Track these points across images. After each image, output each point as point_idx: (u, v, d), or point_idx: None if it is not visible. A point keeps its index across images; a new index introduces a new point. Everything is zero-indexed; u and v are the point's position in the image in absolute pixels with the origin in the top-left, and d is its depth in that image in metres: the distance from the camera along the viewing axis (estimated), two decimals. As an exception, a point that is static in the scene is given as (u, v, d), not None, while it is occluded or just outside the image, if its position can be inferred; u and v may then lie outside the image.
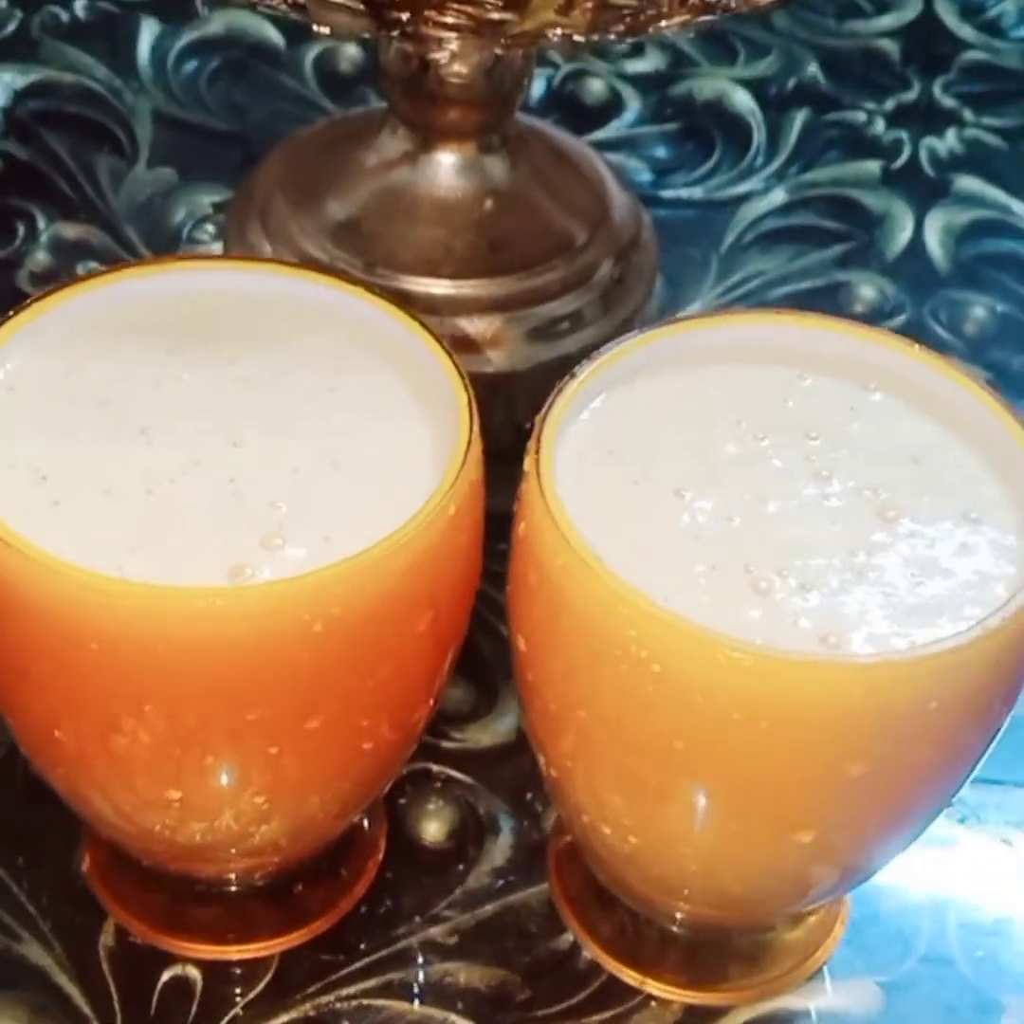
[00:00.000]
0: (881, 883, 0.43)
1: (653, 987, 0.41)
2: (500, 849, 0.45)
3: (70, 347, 0.36)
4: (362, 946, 0.43)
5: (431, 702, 0.37)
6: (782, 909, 0.39)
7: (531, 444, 0.35)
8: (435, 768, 0.46)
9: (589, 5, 0.42)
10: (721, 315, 0.38)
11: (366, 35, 0.44)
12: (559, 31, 0.44)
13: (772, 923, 0.40)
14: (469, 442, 0.34)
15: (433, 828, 0.45)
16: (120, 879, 0.42)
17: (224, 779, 0.34)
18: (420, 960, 0.43)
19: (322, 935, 0.43)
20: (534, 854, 0.45)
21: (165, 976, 0.42)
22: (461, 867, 0.45)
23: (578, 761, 0.36)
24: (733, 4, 0.45)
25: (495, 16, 0.43)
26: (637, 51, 0.71)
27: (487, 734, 0.48)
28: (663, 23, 0.44)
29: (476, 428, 0.35)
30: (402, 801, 0.45)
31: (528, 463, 0.35)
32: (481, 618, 0.49)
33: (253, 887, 0.41)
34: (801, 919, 0.42)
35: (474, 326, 0.50)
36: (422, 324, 0.36)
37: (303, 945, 0.43)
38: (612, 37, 0.45)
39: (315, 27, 0.44)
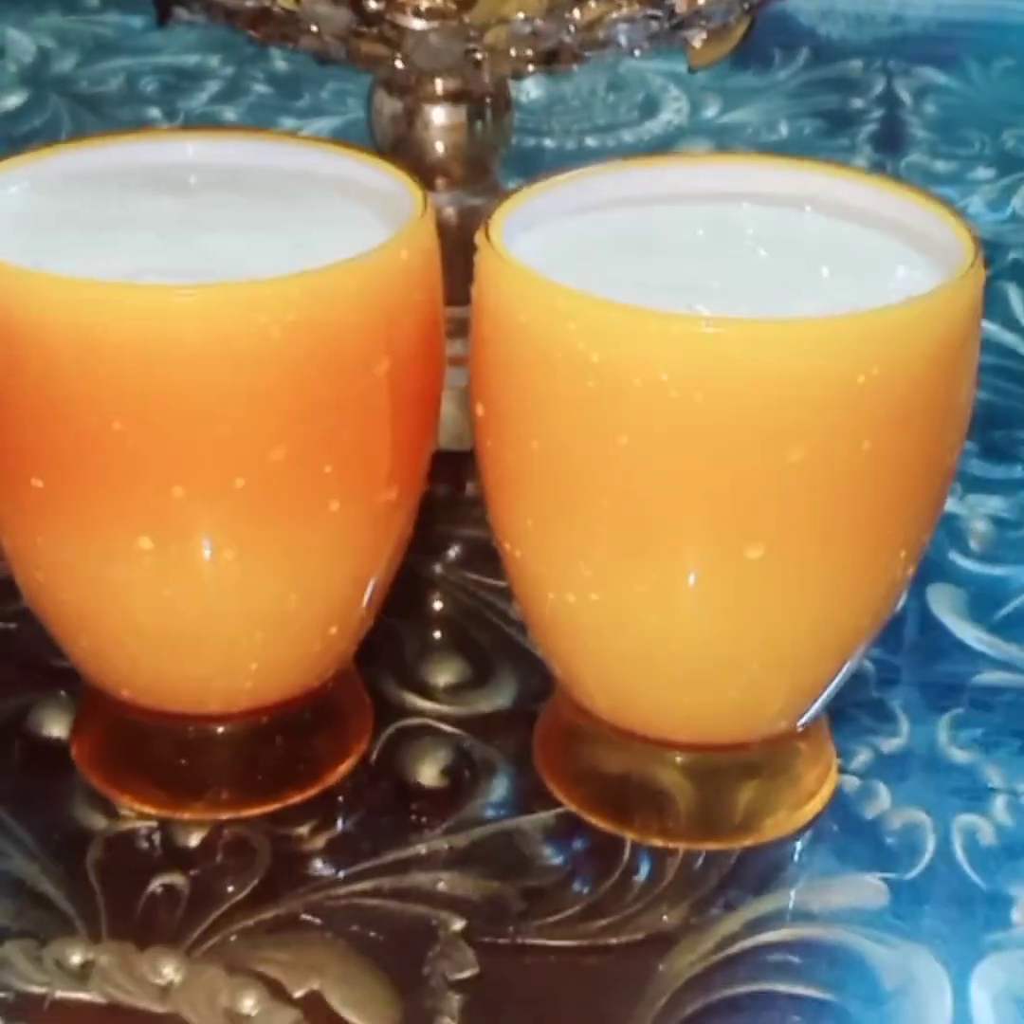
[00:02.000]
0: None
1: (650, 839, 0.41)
2: (496, 788, 0.45)
3: (62, 184, 0.40)
4: (354, 854, 0.42)
5: (397, 492, 0.38)
6: (756, 691, 0.39)
7: (482, 225, 0.38)
8: (430, 722, 0.47)
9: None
10: (670, 156, 0.41)
11: (345, 36, 0.50)
12: (521, 16, 0.49)
13: (753, 739, 0.40)
14: (422, 211, 0.37)
15: (428, 771, 0.46)
16: (109, 757, 0.43)
17: (193, 519, 0.36)
18: (413, 870, 0.42)
19: (312, 839, 0.43)
20: (530, 792, 0.45)
21: (154, 883, 0.42)
22: (457, 798, 0.45)
23: (537, 514, 0.37)
24: (676, 8, 0.51)
25: (458, -8, 0.48)
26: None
27: (484, 702, 0.48)
28: (617, 16, 0.50)
29: (430, 208, 0.38)
30: (398, 750, 0.45)
31: (478, 236, 0.37)
32: (477, 613, 0.51)
33: (242, 735, 0.41)
34: (792, 759, 0.41)
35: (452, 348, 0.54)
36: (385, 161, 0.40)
37: (294, 845, 0.42)
38: (569, 36, 0.50)
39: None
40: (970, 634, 0.51)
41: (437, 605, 0.52)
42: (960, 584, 0.53)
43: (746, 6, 0.53)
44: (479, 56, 0.51)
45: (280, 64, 0.93)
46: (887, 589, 0.38)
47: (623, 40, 0.51)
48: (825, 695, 0.41)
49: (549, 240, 0.38)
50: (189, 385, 0.35)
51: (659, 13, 0.50)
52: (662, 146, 0.85)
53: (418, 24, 0.49)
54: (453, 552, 0.54)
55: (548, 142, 0.85)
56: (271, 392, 0.35)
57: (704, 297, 0.36)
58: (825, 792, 0.43)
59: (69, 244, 0.37)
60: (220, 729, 0.41)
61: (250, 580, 0.37)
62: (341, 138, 0.82)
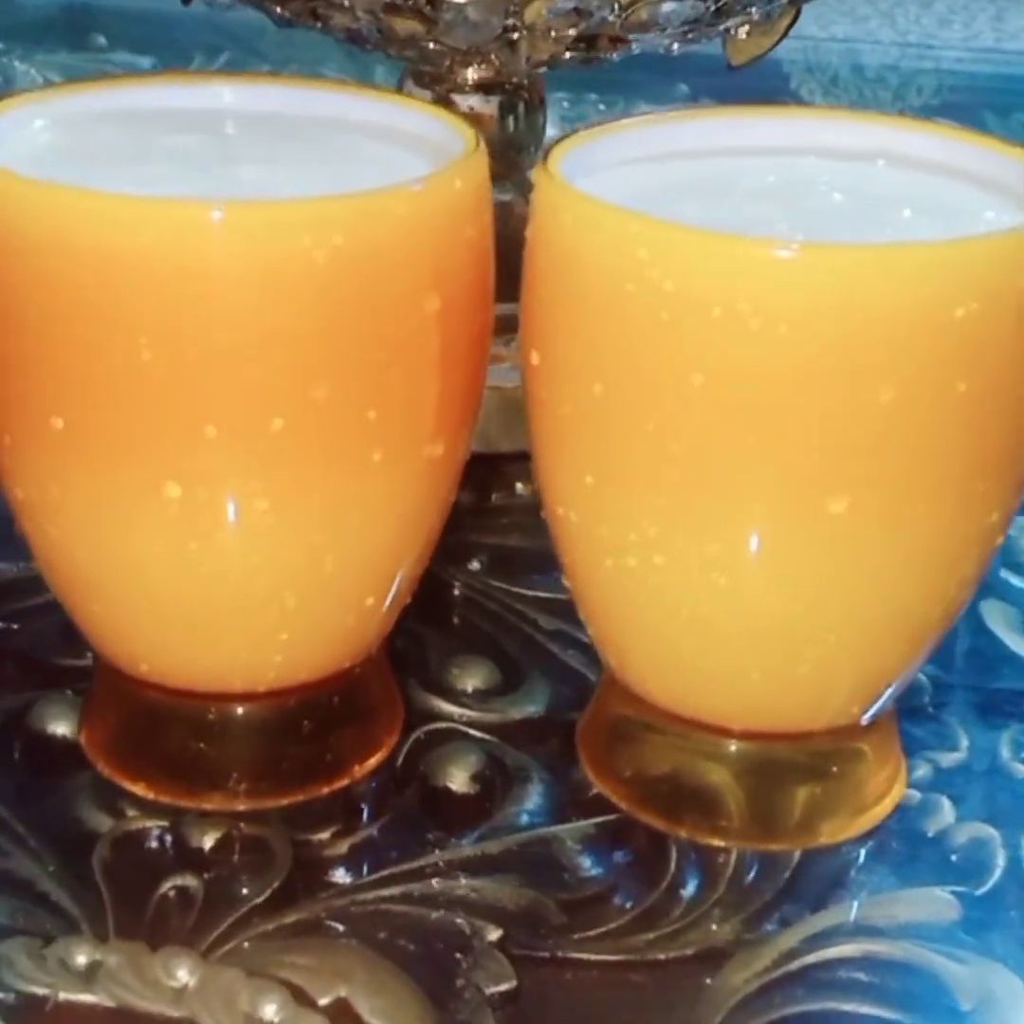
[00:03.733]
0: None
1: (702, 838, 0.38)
2: (530, 795, 0.42)
3: (86, 121, 0.38)
4: (380, 859, 0.39)
5: (443, 448, 0.35)
6: (829, 669, 0.35)
7: (539, 161, 0.35)
8: (459, 727, 0.44)
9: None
10: (732, 109, 0.39)
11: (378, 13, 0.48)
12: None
13: (816, 729, 0.37)
14: (475, 147, 0.35)
15: (459, 776, 0.42)
16: (122, 743, 0.39)
17: (225, 462, 0.33)
18: (444, 876, 0.39)
19: (335, 844, 0.39)
20: (568, 800, 0.42)
21: (165, 885, 0.38)
22: (489, 805, 0.41)
23: (597, 469, 0.34)
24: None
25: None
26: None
27: (515, 709, 0.45)
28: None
29: (483, 146, 0.35)
30: (425, 754, 0.42)
31: (534, 172, 0.35)
32: (506, 621, 0.48)
33: (267, 719, 0.38)
34: (855, 761, 0.38)
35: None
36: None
37: (315, 849, 0.39)
38: (612, 14, 0.48)
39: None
40: (1028, 649, 0.48)
41: (464, 613, 0.49)
42: (1013, 602, 0.51)
43: (795, -8, 0.51)
44: (515, 36, 0.49)
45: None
46: (976, 556, 0.35)
47: (666, 22, 0.49)
48: (896, 684, 0.38)
49: (609, 185, 0.35)
50: (225, 311, 0.32)
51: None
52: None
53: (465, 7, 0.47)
54: (479, 561, 0.52)
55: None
56: (313, 323, 0.32)
57: (780, 234, 0.33)
58: (890, 800, 0.40)
59: (96, 175, 0.34)
60: (243, 711, 0.38)
61: (284, 535, 0.34)
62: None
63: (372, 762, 0.40)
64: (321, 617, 0.36)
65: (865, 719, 0.38)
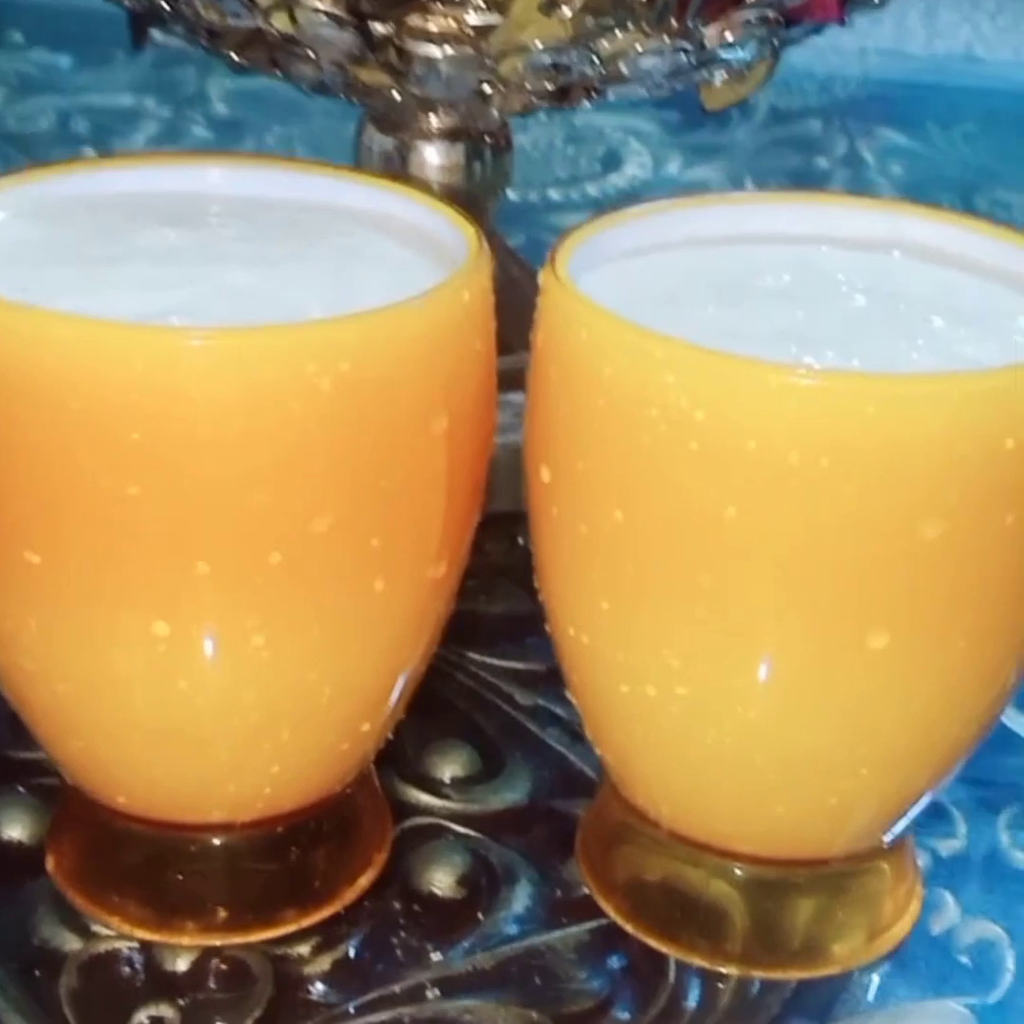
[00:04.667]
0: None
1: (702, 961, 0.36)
2: (519, 897, 0.40)
3: (56, 213, 0.35)
4: (366, 980, 0.37)
5: (446, 567, 0.33)
6: (858, 799, 0.34)
7: (547, 261, 0.33)
8: (440, 822, 0.42)
9: (575, 5, 0.43)
10: (741, 195, 0.37)
11: (349, 60, 0.45)
12: (539, 44, 0.45)
13: (834, 854, 0.35)
14: (479, 248, 0.32)
15: (443, 879, 0.40)
16: (94, 872, 0.37)
17: (218, 600, 0.30)
18: (435, 997, 0.37)
19: (318, 961, 0.37)
20: (558, 903, 0.40)
21: (138, 1015, 0.36)
22: (477, 911, 0.39)
23: (615, 595, 0.32)
24: (706, 41, 0.47)
25: (477, 19, 0.44)
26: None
27: (496, 797, 0.43)
28: (645, 49, 0.45)
29: (486, 247, 0.33)
30: (407, 854, 0.40)
31: (542, 275, 0.33)
32: (480, 698, 0.46)
33: (254, 848, 0.36)
34: (876, 878, 0.36)
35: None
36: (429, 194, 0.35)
37: (296, 968, 0.37)
38: (592, 69, 0.46)
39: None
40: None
41: (437, 689, 0.47)
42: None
43: (775, 42, 0.48)
44: (488, 90, 0.47)
45: (220, 107, 0.88)
46: (1011, 680, 0.33)
47: (646, 75, 0.47)
48: (923, 805, 0.36)
49: (616, 282, 0.33)
50: (222, 443, 0.29)
51: (689, 46, 0.46)
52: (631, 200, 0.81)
53: (431, 51, 0.44)
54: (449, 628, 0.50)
55: (511, 194, 0.80)
56: (317, 453, 0.30)
57: (808, 349, 0.31)
58: (909, 917, 0.38)
59: (73, 280, 0.32)
60: (228, 841, 0.35)
61: (280, 670, 0.32)
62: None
63: (362, 882, 0.38)
64: (314, 747, 0.34)
65: (888, 841, 0.36)
